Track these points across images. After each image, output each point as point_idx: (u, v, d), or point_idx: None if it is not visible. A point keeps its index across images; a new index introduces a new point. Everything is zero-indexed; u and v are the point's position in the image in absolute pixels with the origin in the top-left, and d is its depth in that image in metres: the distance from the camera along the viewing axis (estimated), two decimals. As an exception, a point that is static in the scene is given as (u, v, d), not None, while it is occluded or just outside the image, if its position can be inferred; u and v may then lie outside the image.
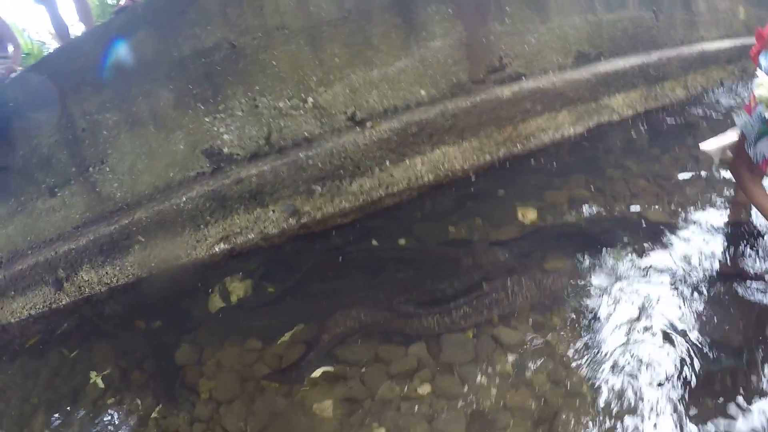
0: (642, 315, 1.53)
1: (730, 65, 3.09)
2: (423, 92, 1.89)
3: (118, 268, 2.19)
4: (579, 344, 1.45)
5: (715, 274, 1.68)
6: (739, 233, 1.86)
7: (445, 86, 1.92)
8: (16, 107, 2.34)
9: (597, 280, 1.69)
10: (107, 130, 2.15)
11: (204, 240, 2.00)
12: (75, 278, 2.31)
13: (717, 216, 1.98)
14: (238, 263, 2.03)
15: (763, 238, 1.77)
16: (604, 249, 1.79)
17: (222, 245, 1.98)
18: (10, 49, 3.05)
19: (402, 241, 1.88)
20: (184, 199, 1.95)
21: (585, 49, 2.29)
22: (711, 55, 2.90)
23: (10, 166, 2.44)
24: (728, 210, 2.01)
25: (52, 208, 2.43)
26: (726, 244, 1.82)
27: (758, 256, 1.72)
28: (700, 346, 1.39)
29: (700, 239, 1.86)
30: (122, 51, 2.07)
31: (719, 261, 1.74)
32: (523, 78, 2.06)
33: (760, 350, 1.33)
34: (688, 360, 1.35)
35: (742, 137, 1.59)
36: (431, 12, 1.91)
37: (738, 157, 1.64)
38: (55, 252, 2.31)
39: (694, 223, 1.96)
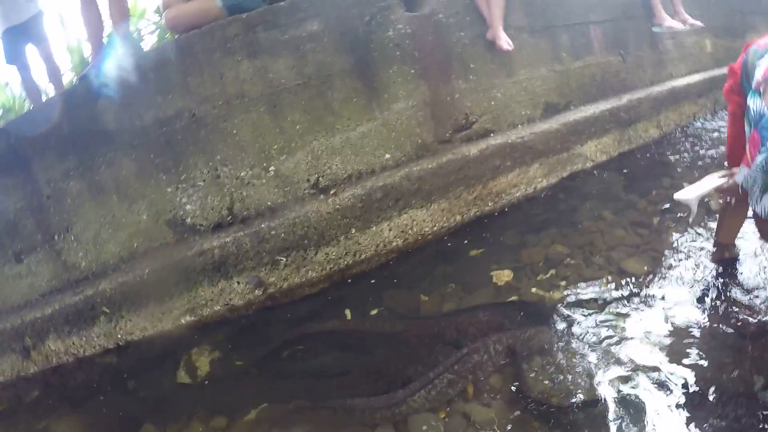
0: (630, 375, 1.46)
1: (701, 98, 3.11)
2: (387, 156, 1.86)
3: (84, 338, 2.13)
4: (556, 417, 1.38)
5: (703, 317, 1.63)
6: (723, 274, 1.81)
7: (410, 148, 1.89)
8: (-16, 170, 2.31)
9: (574, 341, 1.64)
10: (71, 198, 2.12)
11: (170, 312, 1.94)
12: (42, 347, 2.25)
13: (698, 260, 1.94)
14: (206, 334, 1.96)
15: (747, 278, 1.73)
16: (580, 309, 1.74)
17: (188, 317, 1.92)
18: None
19: (374, 312, 1.81)
20: (147, 271, 1.90)
21: (553, 100, 2.28)
22: (681, 91, 2.92)
23: (-22, 229, 2.40)
24: (711, 252, 1.97)
25: (19, 275, 2.38)
26: (711, 286, 1.78)
27: (745, 295, 1.67)
28: (697, 397, 1.33)
29: (682, 286, 1.81)
30: (85, 118, 2.05)
31: (706, 304, 1.70)
32: (491, 134, 2.04)
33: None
34: (684, 412, 1.29)
35: (743, 191, 1.49)
36: (393, 74, 1.90)
37: (731, 204, 1.58)
38: (22, 319, 2.25)
39: (675, 270, 1.91)
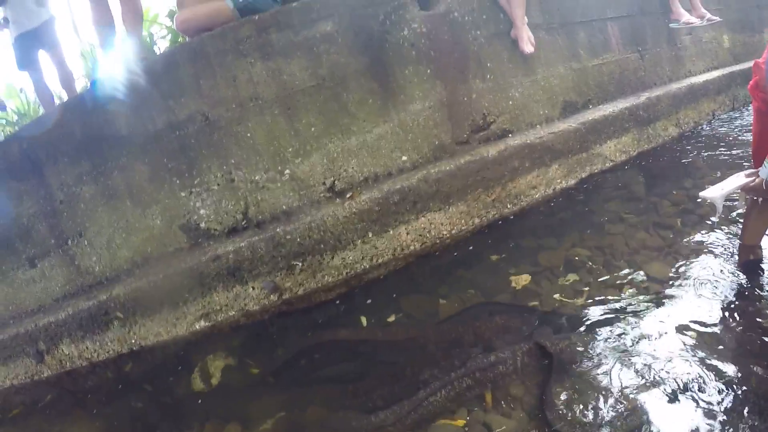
0: (655, 378, 1.41)
1: (720, 95, 3.03)
2: (404, 158, 1.82)
3: (98, 343, 2.12)
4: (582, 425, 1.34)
5: (729, 322, 1.57)
6: (749, 277, 1.75)
7: (427, 150, 1.85)
8: (-2, 175, 2.31)
9: (599, 348, 1.59)
10: (84, 203, 2.11)
11: (184, 317, 1.92)
12: (56, 351, 2.24)
13: (723, 263, 1.87)
14: (221, 340, 1.93)
15: None
16: (605, 317, 1.68)
17: (202, 322, 1.90)
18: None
19: (391, 318, 1.77)
20: (161, 276, 1.88)
21: (572, 99, 2.23)
22: (700, 88, 2.84)
23: (-8, 233, 2.40)
24: (736, 255, 1.90)
25: (32, 279, 2.37)
26: (737, 289, 1.72)
27: None
28: (722, 401, 1.28)
29: (707, 290, 1.75)
30: (97, 123, 2.04)
31: (732, 309, 1.64)
32: (510, 135, 1.99)
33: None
34: (710, 417, 1.24)
35: (763, 186, 1.45)
36: (409, 74, 1.86)
37: (758, 204, 1.53)
38: (36, 324, 2.25)
39: (700, 273, 1.85)
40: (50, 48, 2.67)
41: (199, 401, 1.91)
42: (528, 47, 2.00)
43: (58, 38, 2.70)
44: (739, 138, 2.91)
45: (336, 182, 1.79)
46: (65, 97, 2.92)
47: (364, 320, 1.80)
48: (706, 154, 2.73)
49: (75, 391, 2.34)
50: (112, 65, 2.36)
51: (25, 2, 2.58)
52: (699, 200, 2.15)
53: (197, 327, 1.91)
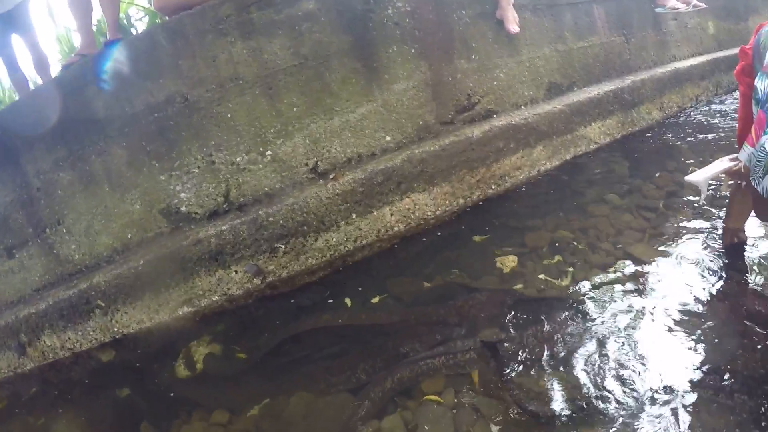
0: (636, 359, 1.43)
1: (704, 81, 3.05)
2: (388, 138, 1.80)
3: (80, 333, 2.07)
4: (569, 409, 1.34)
5: (714, 303, 1.59)
6: (732, 260, 1.77)
7: (411, 130, 1.83)
8: (-28, 163, 2.24)
9: (581, 329, 1.59)
10: (62, 189, 2.05)
11: (166, 304, 1.88)
12: (38, 343, 2.20)
13: (707, 245, 1.89)
14: (205, 326, 1.91)
15: (756, 264, 1.68)
16: (588, 297, 1.69)
17: (185, 308, 1.87)
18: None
19: (375, 299, 1.76)
20: (142, 262, 1.84)
21: (557, 80, 2.22)
22: (684, 73, 2.86)
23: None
24: (720, 237, 1.92)
25: (11, 270, 2.32)
26: (720, 272, 1.74)
27: (754, 281, 1.63)
28: (707, 378, 1.30)
29: (690, 272, 1.77)
30: (74, 107, 1.98)
31: (715, 291, 1.66)
32: (494, 115, 1.98)
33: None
34: (693, 402, 1.25)
35: (746, 170, 1.48)
36: (393, 53, 1.84)
37: (741, 188, 1.55)
38: (16, 316, 2.19)
39: (684, 255, 1.87)
40: (24, 32, 2.59)
41: (185, 388, 1.88)
42: (514, 27, 1.99)
43: (32, 21, 2.62)
44: (721, 123, 2.94)
45: (319, 163, 1.77)
46: (40, 82, 2.83)
47: (348, 302, 1.79)
48: (689, 138, 2.75)
49: (59, 383, 2.30)
50: (89, 48, 2.30)
51: None
52: (684, 183, 2.17)
53: (180, 313, 1.88)
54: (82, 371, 2.25)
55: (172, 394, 1.89)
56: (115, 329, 2.00)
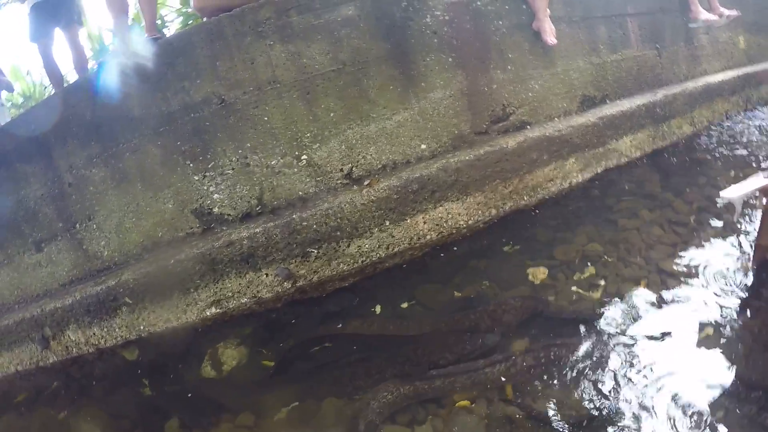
0: (665, 374, 1.41)
1: (734, 96, 3.02)
2: (423, 146, 1.80)
3: (105, 329, 2.08)
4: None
5: (744, 320, 1.56)
6: (764, 276, 1.74)
7: (446, 139, 1.82)
8: (4, 156, 2.27)
9: (613, 343, 1.58)
10: (94, 185, 2.07)
11: (194, 304, 1.89)
12: (62, 337, 2.21)
13: (738, 262, 1.87)
14: (232, 328, 1.91)
15: None
16: (620, 311, 1.67)
17: (213, 309, 1.87)
18: (4, 95, 2.98)
19: (405, 305, 1.76)
20: (172, 261, 1.85)
21: (590, 93, 2.21)
22: (715, 88, 2.83)
23: (-3, 215, 2.36)
24: (752, 253, 1.90)
25: (39, 264, 2.34)
26: (750, 288, 1.71)
27: None
28: (737, 395, 1.28)
29: (721, 288, 1.75)
30: (109, 104, 2.00)
31: (746, 308, 1.63)
32: (528, 126, 1.97)
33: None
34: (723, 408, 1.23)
35: None
36: (430, 62, 1.83)
37: None
38: (42, 309, 2.21)
39: (715, 271, 1.84)
40: (66, 26, 2.57)
41: (210, 390, 1.88)
42: (551, 39, 1.98)
43: (77, 16, 2.59)
44: (751, 138, 2.91)
45: (354, 169, 1.76)
46: (76, 78, 2.86)
47: (378, 309, 1.79)
48: (718, 153, 2.72)
49: (81, 378, 2.31)
50: (125, 45, 2.32)
51: None
52: (719, 200, 2.15)
53: (208, 314, 1.88)
54: (105, 368, 2.26)
55: (197, 396, 1.90)
56: (141, 327, 2.01)
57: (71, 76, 2.83)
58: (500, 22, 1.98)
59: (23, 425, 2.26)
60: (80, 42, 2.65)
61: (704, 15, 2.77)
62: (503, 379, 1.46)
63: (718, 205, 2.19)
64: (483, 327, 1.64)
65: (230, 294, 1.83)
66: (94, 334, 2.11)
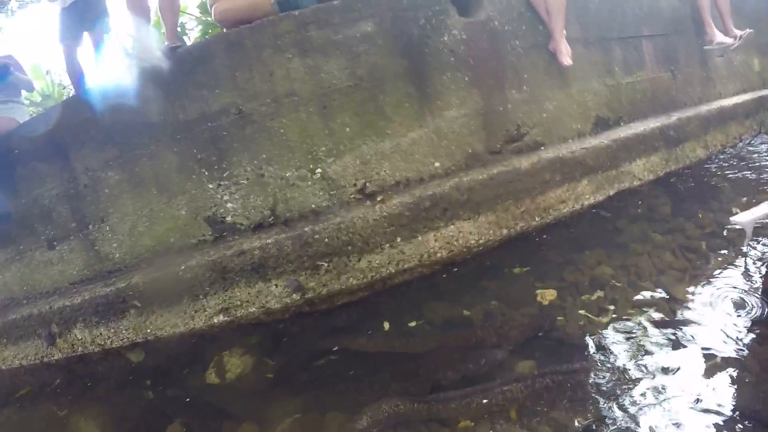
0: (675, 405, 1.39)
1: (748, 119, 3.01)
2: (437, 164, 1.80)
3: (112, 330, 2.10)
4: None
5: (755, 349, 1.55)
6: None
7: (460, 158, 1.83)
8: (21, 155, 2.31)
9: (620, 370, 1.57)
10: (109, 188, 2.09)
11: (202, 310, 1.90)
12: (68, 335, 2.23)
13: (750, 288, 1.85)
14: (239, 336, 1.92)
15: None
16: (628, 336, 1.67)
17: (221, 317, 1.88)
18: (23, 94, 3.02)
19: (413, 324, 1.76)
20: (183, 267, 1.86)
21: (604, 114, 2.21)
22: (729, 111, 2.82)
23: (11, 213, 2.40)
24: (763, 280, 1.88)
25: (50, 261, 2.36)
26: (761, 315, 1.70)
27: None
28: (747, 426, 1.26)
29: (733, 315, 1.73)
30: (127, 109, 2.03)
31: (758, 335, 1.62)
32: (542, 147, 1.97)
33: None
34: None
35: None
36: (446, 80, 1.85)
37: None
38: (50, 306, 2.24)
39: (726, 297, 1.83)
40: (93, 28, 2.58)
41: (214, 397, 1.89)
42: (567, 60, 1.99)
43: (105, 16, 2.62)
44: (765, 162, 2.89)
45: (367, 184, 1.77)
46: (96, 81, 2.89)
47: (386, 325, 1.79)
48: (731, 177, 2.71)
49: (85, 376, 2.33)
50: (145, 50, 2.36)
51: None
52: (729, 225, 2.13)
53: (215, 321, 1.89)
54: (110, 368, 2.28)
55: (200, 402, 1.90)
56: (149, 330, 2.02)
57: (91, 79, 2.87)
58: (517, 42, 2.00)
59: (24, 419, 2.28)
60: (104, 47, 2.69)
61: (719, 37, 2.77)
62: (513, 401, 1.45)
63: (728, 231, 2.18)
64: (488, 342, 1.63)
65: (239, 303, 1.84)
66: (100, 334, 2.13)
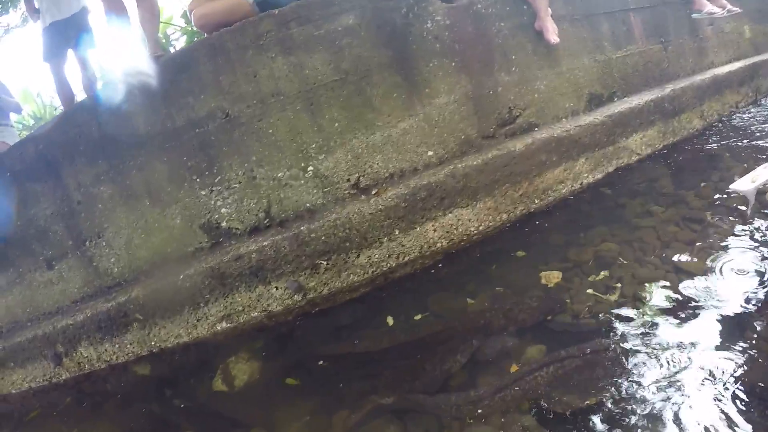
0: (687, 381, 1.36)
1: (743, 87, 2.96)
2: (430, 153, 1.78)
3: (117, 345, 2.09)
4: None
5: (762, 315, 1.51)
6: None
7: (453, 145, 1.80)
8: (14, 176, 2.30)
9: (633, 348, 1.54)
10: (102, 203, 2.08)
11: (204, 319, 1.88)
12: (74, 354, 2.22)
13: (758, 255, 1.81)
14: (243, 342, 1.90)
15: None
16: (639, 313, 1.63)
17: (224, 324, 1.86)
18: (13, 117, 3.01)
19: (418, 317, 1.73)
20: (182, 276, 1.84)
21: (597, 91, 2.17)
22: (723, 80, 2.78)
23: (8, 235, 2.39)
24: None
25: (50, 281, 2.35)
26: None
27: None
28: (753, 405, 1.23)
29: (743, 283, 1.69)
30: (115, 122, 2.01)
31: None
32: (536, 128, 1.94)
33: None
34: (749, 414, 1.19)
35: None
36: (433, 67, 1.82)
37: None
38: (54, 326, 2.23)
39: (735, 266, 1.79)
40: (77, 47, 2.57)
41: (222, 405, 1.87)
42: (554, 37, 1.96)
43: (90, 37, 2.60)
44: (762, 129, 2.85)
45: (361, 179, 1.75)
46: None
47: (390, 320, 1.76)
48: (730, 145, 2.66)
49: (93, 394, 2.32)
50: (129, 63, 2.34)
51: None
52: (730, 192, 2.10)
53: (218, 328, 1.88)
54: (117, 383, 2.26)
55: (209, 410, 1.88)
56: (153, 343, 2.01)
57: (81, 96, 2.86)
58: (502, 24, 1.96)
59: (35, 443, 2.27)
60: (91, 64, 2.68)
61: (707, 6, 2.73)
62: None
63: (731, 199, 2.14)
64: (495, 325, 1.59)
65: (240, 308, 1.82)
66: (106, 350, 2.12)
